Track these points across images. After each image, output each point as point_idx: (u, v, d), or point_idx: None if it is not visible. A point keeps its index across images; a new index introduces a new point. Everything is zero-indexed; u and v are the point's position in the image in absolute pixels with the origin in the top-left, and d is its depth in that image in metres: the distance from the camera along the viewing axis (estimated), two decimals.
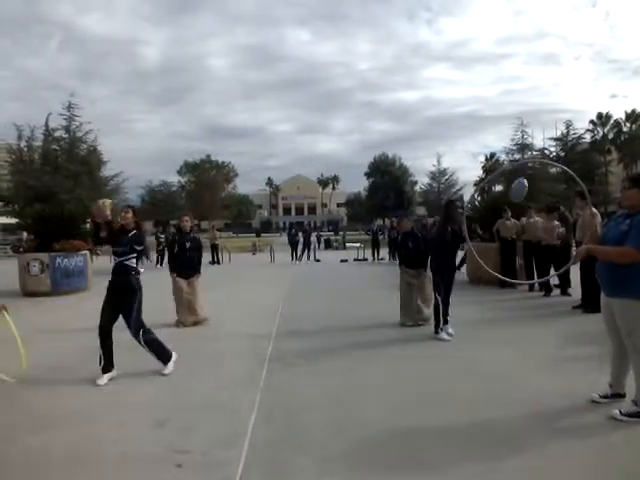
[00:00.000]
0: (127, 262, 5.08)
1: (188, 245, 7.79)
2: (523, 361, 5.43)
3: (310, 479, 3.02)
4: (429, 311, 7.28)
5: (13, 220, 14.73)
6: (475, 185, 52.12)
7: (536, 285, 10.41)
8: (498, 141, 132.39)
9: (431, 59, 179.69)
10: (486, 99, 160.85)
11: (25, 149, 14.11)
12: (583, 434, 3.57)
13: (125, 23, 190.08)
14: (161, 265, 19.76)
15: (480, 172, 56.65)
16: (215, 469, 3.12)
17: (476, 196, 17.67)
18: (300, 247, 21.69)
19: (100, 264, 15.61)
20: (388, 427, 3.76)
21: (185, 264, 7.81)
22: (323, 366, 5.47)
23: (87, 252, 12.79)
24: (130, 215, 5.24)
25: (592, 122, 54.35)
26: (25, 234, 15.42)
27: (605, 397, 4.07)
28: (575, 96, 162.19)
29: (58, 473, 3.15)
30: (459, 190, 52.85)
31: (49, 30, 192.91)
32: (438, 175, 53.92)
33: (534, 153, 17.18)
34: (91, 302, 10.77)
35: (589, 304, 7.62)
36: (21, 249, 12.77)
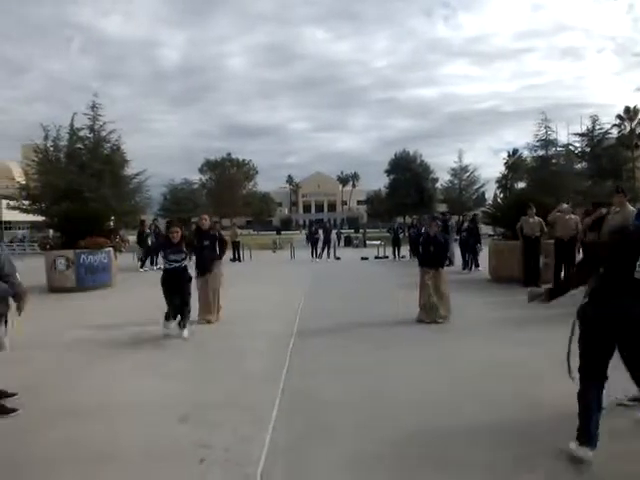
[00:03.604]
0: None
1: (206, 243, 7.77)
2: (550, 362, 5.31)
3: (330, 476, 3.03)
4: (445, 309, 7.50)
5: (40, 218, 15.01)
6: (497, 182, 51.63)
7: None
8: (519, 137, 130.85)
9: (449, 55, 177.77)
10: (506, 94, 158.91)
11: (51, 149, 14.31)
12: (609, 437, 3.50)
13: (144, 25, 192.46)
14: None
15: (502, 169, 56.04)
16: (237, 464, 3.15)
17: (498, 193, 17.47)
18: (320, 245, 21.70)
19: (123, 261, 15.89)
20: (411, 426, 3.75)
21: (201, 262, 7.77)
22: (344, 364, 5.47)
23: (111, 249, 13.00)
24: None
25: (619, 116, 53.04)
26: (51, 231, 15.71)
27: (634, 400, 3.98)
28: (598, 90, 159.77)
29: (82, 468, 3.20)
30: (480, 187, 52.24)
31: (72, 33, 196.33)
32: (459, 172, 53.26)
33: (558, 149, 16.87)
34: (115, 298, 11.01)
35: None
36: (48, 246, 12.99)
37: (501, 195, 18.91)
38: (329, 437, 3.57)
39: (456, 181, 53.76)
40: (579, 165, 20.24)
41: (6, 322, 4.25)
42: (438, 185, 60.28)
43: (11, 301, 4.20)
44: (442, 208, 50.44)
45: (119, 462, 3.26)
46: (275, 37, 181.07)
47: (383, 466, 3.14)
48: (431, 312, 7.45)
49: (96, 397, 4.53)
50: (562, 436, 3.46)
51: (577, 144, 20.94)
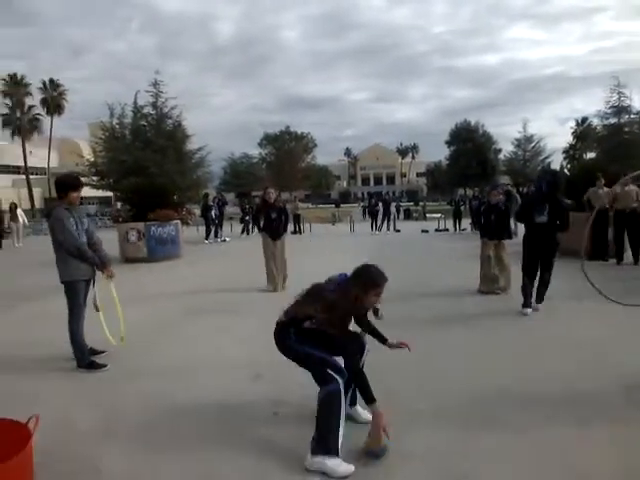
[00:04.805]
0: None
1: (274, 215, 8.13)
2: (613, 335, 5.27)
3: (394, 433, 3.20)
4: (505, 281, 7.48)
5: (108, 193, 15.76)
6: (564, 152, 49.10)
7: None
8: (589, 105, 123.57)
9: (512, 18, 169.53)
10: (574, 59, 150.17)
11: (117, 126, 14.92)
12: None
13: (199, 0, 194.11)
14: (247, 234, 20.67)
15: (570, 138, 53.32)
16: (309, 417, 3.37)
17: (565, 164, 16.88)
18: (380, 217, 21.71)
19: (187, 234, 16.53)
20: (469, 390, 3.86)
21: (272, 233, 8.19)
22: (405, 330, 5.55)
23: (179, 221, 13.60)
24: None
25: None
26: (119, 204, 16.52)
27: None
28: None
29: (163, 419, 3.54)
30: (546, 158, 50.02)
31: (130, 12, 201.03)
32: (524, 142, 51.05)
33: (632, 117, 15.95)
34: (184, 268, 11.57)
35: None
36: (120, 219, 13.75)
37: (568, 166, 18.23)
38: (391, 397, 3.74)
39: (520, 152, 51.56)
40: None
41: (94, 284, 4.68)
42: (501, 156, 58.26)
43: None
44: (505, 180, 48.87)
45: (197, 415, 3.57)
46: (330, 6, 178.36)
47: (445, 425, 3.29)
48: (491, 283, 7.47)
49: (176, 356, 4.93)
50: (622, 408, 3.50)
51: None
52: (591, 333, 5.34)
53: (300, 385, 3.87)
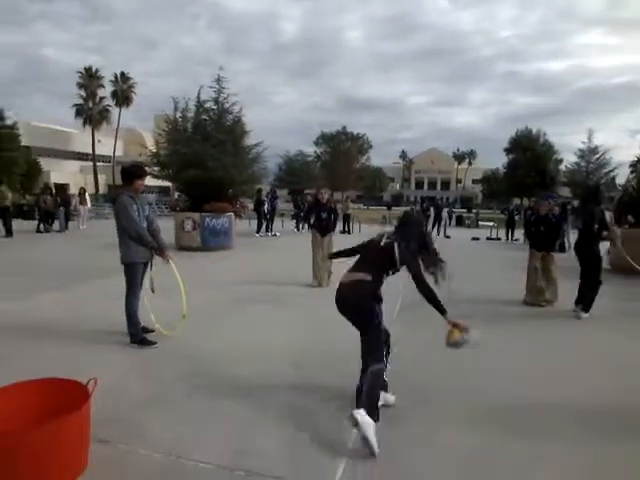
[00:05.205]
0: None
1: (324, 215, 8.36)
2: None
3: (425, 432, 3.31)
4: (552, 294, 7.37)
5: (167, 183, 16.39)
6: (631, 166, 46.73)
7: None
8: None
9: (584, 23, 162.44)
10: None
11: (180, 119, 15.44)
12: None
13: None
14: (297, 230, 21.07)
15: (639, 151, 50.73)
16: (349, 400, 3.53)
17: (631, 178, 16.30)
18: (431, 222, 21.54)
19: (239, 226, 16.94)
20: (513, 399, 3.90)
21: (321, 230, 8.42)
22: (441, 332, 5.66)
23: (232, 214, 14.03)
24: None
25: None
26: (176, 194, 17.17)
27: None
28: None
29: (208, 395, 3.80)
30: (611, 171, 47.81)
31: (199, 10, 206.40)
32: (588, 154, 48.92)
33: None
34: (235, 259, 11.96)
35: None
36: (177, 208, 14.33)
37: (634, 180, 17.51)
38: (429, 400, 3.84)
39: (583, 163, 49.48)
40: None
41: (151, 267, 5.01)
42: (562, 167, 56.24)
43: None
44: (564, 192, 47.20)
45: (240, 395, 3.80)
46: (394, 8, 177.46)
47: (488, 432, 3.35)
48: (536, 295, 7.37)
49: (225, 341, 5.23)
50: None
51: None
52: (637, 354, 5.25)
53: (337, 374, 4.05)
